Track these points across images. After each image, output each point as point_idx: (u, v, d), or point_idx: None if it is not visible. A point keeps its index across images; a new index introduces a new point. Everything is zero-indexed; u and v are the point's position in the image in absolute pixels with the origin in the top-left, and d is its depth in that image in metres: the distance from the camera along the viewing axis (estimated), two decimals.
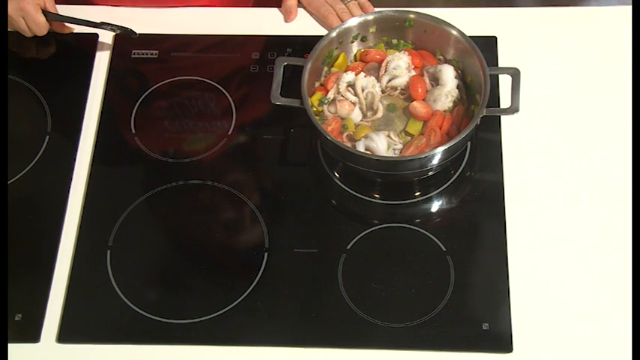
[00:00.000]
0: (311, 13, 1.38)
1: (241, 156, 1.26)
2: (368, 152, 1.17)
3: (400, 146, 1.20)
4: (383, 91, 1.24)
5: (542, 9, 1.37)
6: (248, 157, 1.27)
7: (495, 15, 1.36)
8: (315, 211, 1.21)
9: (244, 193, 1.22)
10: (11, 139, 1.24)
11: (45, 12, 1.31)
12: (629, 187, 1.17)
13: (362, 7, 1.35)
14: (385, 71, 1.24)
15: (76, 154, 1.25)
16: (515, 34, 1.33)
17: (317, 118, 1.19)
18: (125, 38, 1.34)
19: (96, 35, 1.35)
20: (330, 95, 1.23)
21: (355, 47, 1.27)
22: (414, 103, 1.22)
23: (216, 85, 1.32)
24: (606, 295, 1.12)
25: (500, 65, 1.28)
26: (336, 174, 1.23)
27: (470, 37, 1.20)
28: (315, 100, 1.23)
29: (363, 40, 1.26)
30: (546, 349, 1.09)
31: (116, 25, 1.32)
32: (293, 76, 1.22)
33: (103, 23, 1.32)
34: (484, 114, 1.14)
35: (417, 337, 1.09)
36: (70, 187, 1.22)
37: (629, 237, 1.13)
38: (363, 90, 1.23)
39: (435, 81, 1.23)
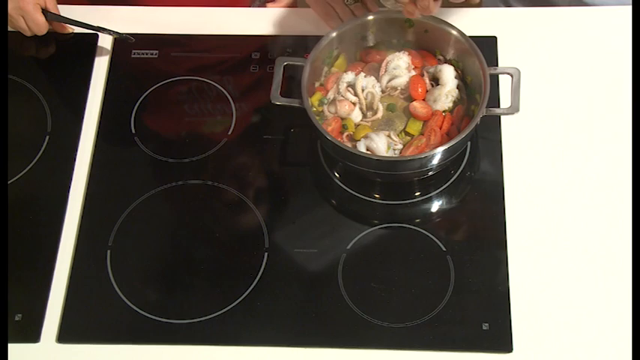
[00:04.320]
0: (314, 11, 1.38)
1: (241, 156, 1.26)
2: (368, 152, 1.17)
3: (400, 146, 1.20)
4: (383, 91, 1.24)
5: (542, 9, 1.37)
6: (248, 157, 1.26)
7: (495, 15, 1.36)
8: (315, 211, 1.21)
9: (244, 193, 1.22)
10: (11, 139, 1.24)
11: (45, 12, 1.31)
12: (629, 188, 1.17)
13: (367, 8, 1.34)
14: (385, 71, 1.24)
15: (76, 154, 1.25)
16: (515, 34, 1.33)
17: (317, 118, 1.19)
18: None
19: (96, 35, 1.35)
20: (330, 95, 1.24)
21: (355, 47, 1.27)
22: (414, 103, 1.22)
23: (216, 85, 1.32)
24: (606, 295, 1.12)
25: (500, 65, 1.28)
26: (336, 174, 1.23)
27: (470, 37, 1.20)
28: (315, 100, 1.23)
29: (363, 40, 1.26)
30: (546, 349, 1.09)
31: (114, 31, 1.32)
32: (293, 76, 1.22)
33: (100, 28, 1.32)
34: (484, 114, 1.14)
35: (417, 337, 1.09)
36: (70, 187, 1.22)
37: (630, 237, 1.14)
38: (363, 90, 1.23)
39: (435, 81, 1.23)
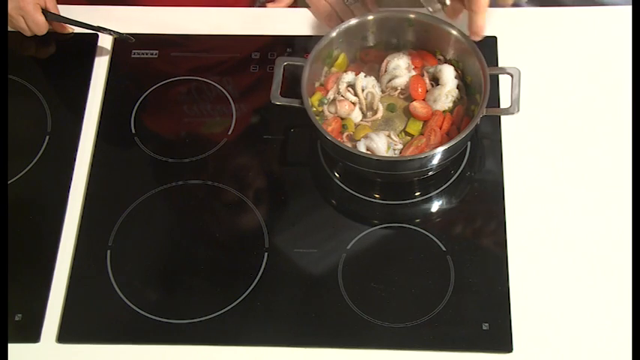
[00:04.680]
0: (313, 13, 1.38)
1: (241, 156, 1.26)
2: (368, 152, 1.17)
3: (400, 146, 1.20)
4: (383, 91, 1.24)
5: (542, 9, 1.37)
6: (248, 157, 1.27)
7: (495, 15, 1.36)
8: (315, 211, 1.21)
9: (244, 193, 1.22)
10: (11, 139, 1.24)
11: (45, 12, 1.31)
12: (629, 187, 1.17)
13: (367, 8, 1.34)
14: (385, 71, 1.24)
15: (76, 154, 1.25)
16: (515, 34, 1.33)
17: (317, 118, 1.19)
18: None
19: (96, 35, 1.35)
20: (330, 95, 1.24)
21: (355, 47, 1.26)
22: (414, 103, 1.22)
23: (216, 85, 1.32)
24: (606, 295, 1.12)
25: (500, 65, 1.28)
26: (336, 174, 1.23)
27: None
28: (315, 100, 1.23)
29: (363, 40, 1.26)
30: (546, 349, 1.09)
31: (113, 30, 1.32)
32: (293, 76, 1.22)
33: (100, 28, 1.32)
34: (484, 114, 1.13)
35: (417, 337, 1.09)
36: (70, 187, 1.22)
37: (630, 237, 1.14)
38: (363, 90, 1.23)
39: (435, 81, 1.23)
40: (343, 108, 1.22)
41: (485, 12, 1.10)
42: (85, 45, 1.36)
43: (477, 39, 1.17)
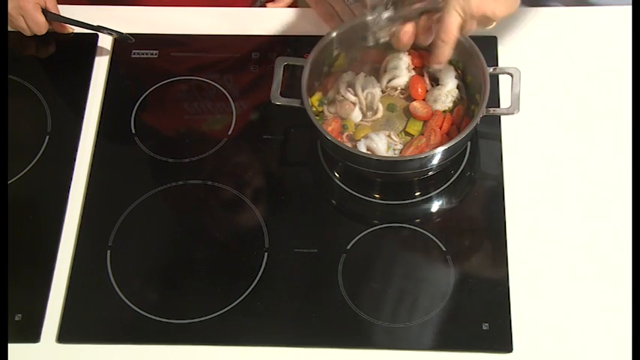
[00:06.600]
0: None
1: (241, 156, 1.26)
2: (368, 152, 1.17)
3: (400, 146, 1.20)
4: (383, 91, 1.24)
5: (542, 9, 1.37)
6: (248, 157, 1.27)
7: None
8: (315, 211, 1.21)
9: (244, 193, 1.22)
10: (11, 139, 1.24)
11: (45, 11, 1.31)
12: (629, 187, 1.17)
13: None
14: (385, 71, 1.24)
15: (76, 154, 1.25)
16: (515, 34, 1.33)
17: (317, 118, 1.19)
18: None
19: (96, 35, 1.35)
20: (330, 95, 1.24)
21: (355, 47, 1.26)
22: (414, 103, 1.22)
23: (216, 85, 1.32)
24: (606, 294, 1.12)
25: (500, 65, 1.28)
26: (336, 174, 1.23)
27: (470, 37, 1.20)
28: (315, 100, 1.23)
29: (363, 40, 1.26)
30: (546, 349, 1.09)
31: (113, 30, 1.32)
32: (293, 76, 1.22)
33: (100, 27, 1.32)
34: (484, 114, 1.13)
35: (417, 337, 1.09)
36: (70, 187, 1.22)
37: (630, 237, 1.13)
38: (363, 90, 1.23)
39: (435, 81, 1.23)
40: (343, 108, 1.22)
41: (454, 43, 1.10)
42: (85, 45, 1.36)
43: (439, 67, 1.16)
